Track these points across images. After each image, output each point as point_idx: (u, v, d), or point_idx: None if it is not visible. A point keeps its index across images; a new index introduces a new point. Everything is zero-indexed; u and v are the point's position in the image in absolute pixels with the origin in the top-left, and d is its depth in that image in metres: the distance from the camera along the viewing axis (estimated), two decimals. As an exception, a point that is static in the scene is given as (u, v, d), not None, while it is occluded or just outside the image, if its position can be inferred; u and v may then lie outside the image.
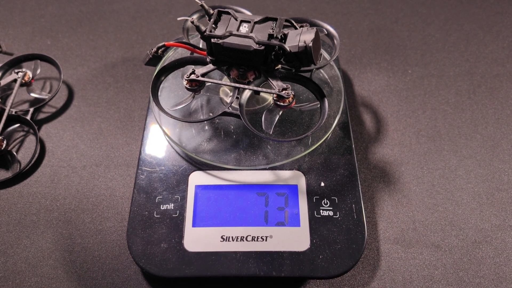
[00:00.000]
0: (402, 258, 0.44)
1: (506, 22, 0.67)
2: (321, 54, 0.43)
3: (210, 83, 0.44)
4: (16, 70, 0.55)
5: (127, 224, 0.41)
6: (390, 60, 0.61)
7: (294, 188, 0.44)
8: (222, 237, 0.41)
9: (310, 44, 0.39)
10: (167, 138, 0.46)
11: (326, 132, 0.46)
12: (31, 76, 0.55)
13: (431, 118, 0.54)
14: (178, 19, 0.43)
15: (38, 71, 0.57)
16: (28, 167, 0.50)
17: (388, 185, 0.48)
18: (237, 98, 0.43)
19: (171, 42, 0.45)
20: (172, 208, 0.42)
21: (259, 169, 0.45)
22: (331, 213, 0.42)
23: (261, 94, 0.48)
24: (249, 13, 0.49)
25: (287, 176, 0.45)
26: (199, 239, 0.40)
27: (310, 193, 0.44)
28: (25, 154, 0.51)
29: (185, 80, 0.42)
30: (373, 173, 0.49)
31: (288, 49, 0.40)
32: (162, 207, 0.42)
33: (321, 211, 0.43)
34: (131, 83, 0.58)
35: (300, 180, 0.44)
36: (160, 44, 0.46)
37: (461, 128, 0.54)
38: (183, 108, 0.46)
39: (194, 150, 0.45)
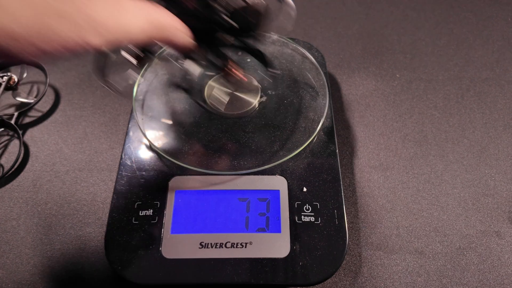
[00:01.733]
0: (384, 265, 0.43)
1: (495, 26, 0.67)
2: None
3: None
4: (1, 74, 0.55)
5: (105, 230, 0.41)
6: (378, 64, 0.61)
7: (276, 194, 0.44)
8: (200, 244, 0.40)
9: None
10: (148, 143, 0.46)
11: (310, 137, 0.46)
12: (16, 80, 0.55)
13: (418, 122, 0.54)
14: None
15: (25, 75, 0.57)
16: (10, 172, 0.49)
17: (372, 190, 0.48)
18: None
19: None
20: (151, 214, 0.42)
21: (241, 174, 0.44)
22: (312, 218, 0.42)
23: (246, 97, 0.47)
24: None
25: (269, 181, 0.44)
26: (177, 246, 0.40)
27: (292, 199, 0.43)
28: (8, 159, 0.51)
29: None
30: (357, 178, 0.49)
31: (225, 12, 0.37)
32: (141, 213, 0.42)
33: (302, 216, 0.42)
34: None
35: (282, 185, 0.44)
36: None
37: (448, 133, 0.53)
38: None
39: (174, 155, 0.45)
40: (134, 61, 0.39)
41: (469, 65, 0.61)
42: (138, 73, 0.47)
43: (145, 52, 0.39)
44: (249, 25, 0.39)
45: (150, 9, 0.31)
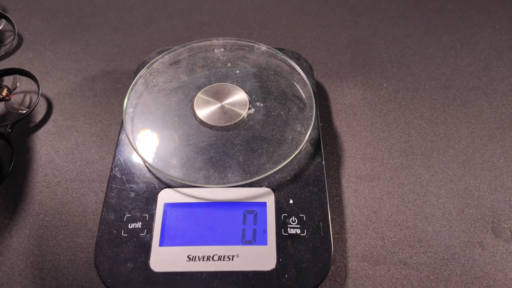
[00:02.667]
0: (369, 276, 0.44)
1: (483, 34, 0.68)
2: None
3: None
4: (-7, 85, 0.56)
5: (95, 242, 0.42)
6: (366, 73, 0.62)
7: (263, 206, 0.44)
8: (188, 257, 0.41)
9: None
10: (138, 155, 0.47)
11: (296, 149, 0.47)
12: (8, 91, 0.56)
13: (404, 132, 0.55)
14: None
15: (17, 86, 0.58)
16: (1, 183, 0.50)
17: (358, 201, 0.49)
18: None
19: None
20: (140, 226, 0.43)
21: (229, 187, 0.45)
22: (298, 231, 0.43)
23: (234, 109, 0.48)
24: None
25: (256, 193, 0.45)
26: (165, 258, 0.41)
27: (278, 211, 0.44)
28: None
29: None
30: (344, 188, 0.50)
31: None
32: (130, 225, 0.43)
33: (288, 229, 0.43)
34: (109, 97, 0.59)
35: (269, 198, 0.45)
36: None
37: (434, 143, 0.54)
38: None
39: (164, 168, 0.45)
40: None
41: (456, 73, 0.62)
42: None
43: None
44: None
45: None
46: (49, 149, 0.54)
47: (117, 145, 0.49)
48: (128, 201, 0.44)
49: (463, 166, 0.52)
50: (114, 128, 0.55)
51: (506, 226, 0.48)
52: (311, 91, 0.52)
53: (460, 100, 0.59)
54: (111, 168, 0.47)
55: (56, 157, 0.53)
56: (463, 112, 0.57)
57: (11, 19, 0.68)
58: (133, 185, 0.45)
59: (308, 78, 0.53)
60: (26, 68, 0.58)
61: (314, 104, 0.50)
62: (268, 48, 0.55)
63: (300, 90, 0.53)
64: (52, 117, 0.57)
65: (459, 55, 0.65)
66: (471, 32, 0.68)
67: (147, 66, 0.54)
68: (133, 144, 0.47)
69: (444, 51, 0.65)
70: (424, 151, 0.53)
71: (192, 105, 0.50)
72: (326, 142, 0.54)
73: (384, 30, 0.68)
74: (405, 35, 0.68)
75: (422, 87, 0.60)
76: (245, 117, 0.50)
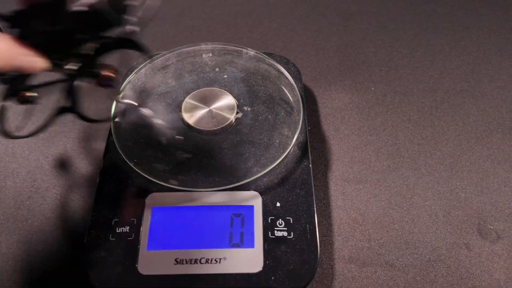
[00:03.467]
0: (356, 278, 0.44)
1: (472, 37, 0.68)
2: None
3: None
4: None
5: (84, 247, 0.42)
6: (354, 77, 0.62)
7: (250, 209, 0.45)
8: (176, 260, 0.41)
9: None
10: (125, 160, 0.47)
11: (284, 152, 0.47)
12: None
13: (392, 135, 0.55)
14: None
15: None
16: (-9, 189, 0.50)
17: (345, 203, 0.49)
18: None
19: None
20: (127, 230, 0.43)
21: (216, 190, 0.46)
22: (285, 233, 0.43)
23: (222, 113, 0.49)
24: None
25: (244, 196, 0.46)
26: (153, 262, 0.41)
27: (265, 214, 0.44)
28: (-10, 175, 0.52)
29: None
30: (331, 191, 0.50)
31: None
32: (118, 229, 0.43)
33: (275, 231, 0.43)
34: (97, 102, 0.59)
35: (256, 201, 0.45)
36: None
37: (421, 145, 0.54)
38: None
39: (151, 173, 0.46)
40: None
41: (444, 77, 0.63)
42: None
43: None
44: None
45: None
46: (38, 155, 0.54)
47: (105, 150, 0.49)
48: (116, 206, 0.45)
49: (450, 169, 0.53)
50: (103, 133, 0.55)
51: (492, 227, 0.48)
52: (299, 95, 0.52)
53: (448, 103, 0.59)
54: (100, 173, 0.47)
55: (45, 162, 0.53)
56: (450, 115, 0.58)
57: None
58: (121, 190, 0.46)
59: (295, 82, 0.54)
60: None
61: (301, 108, 0.51)
62: (256, 52, 0.56)
63: (288, 94, 0.53)
64: (41, 123, 0.57)
65: (448, 58, 0.65)
66: (460, 35, 0.69)
67: (135, 71, 0.54)
68: (121, 150, 0.47)
69: (433, 54, 0.66)
70: (411, 154, 0.54)
71: (180, 110, 0.50)
72: (314, 146, 0.54)
73: (373, 34, 0.69)
74: (394, 39, 0.68)
75: (410, 90, 0.61)
76: (233, 121, 0.50)
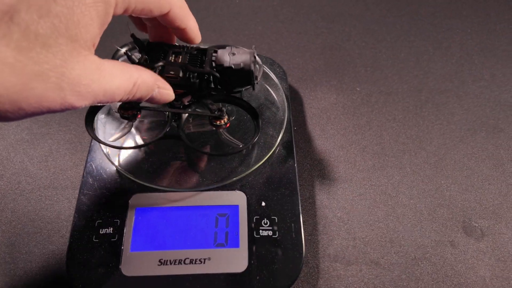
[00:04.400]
0: (341, 276, 0.44)
1: (455, 38, 0.69)
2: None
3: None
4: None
5: (67, 248, 0.42)
6: (340, 77, 0.63)
7: (235, 209, 0.45)
8: (160, 261, 0.41)
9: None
10: (109, 161, 0.47)
11: (269, 152, 0.47)
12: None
13: (377, 134, 0.56)
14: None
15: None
16: (-25, 192, 0.50)
17: (331, 202, 0.49)
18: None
19: None
20: (111, 232, 0.43)
21: (201, 190, 0.45)
22: (270, 233, 0.43)
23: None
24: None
25: (229, 196, 0.45)
26: (136, 263, 0.41)
27: (251, 213, 0.44)
28: (-27, 178, 0.52)
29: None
30: (317, 190, 0.50)
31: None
32: (102, 231, 0.43)
33: (260, 231, 0.43)
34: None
35: (241, 200, 0.45)
36: None
37: (406, 145, 0.55)
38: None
39: (135, 173, 0.45)
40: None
41: (428, 77, 0.63)
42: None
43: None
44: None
45: (132, 71, 0.32)
46: (22, 156, 0.53)
47: (89, 151, 0.49)
48: (100, 207, 0.44)
49: (434, 167, 0.53)
50: (87, 135, 0.55)
51: (476, 225, 0.48)
52: (284, 95, 0.52)
53: (432, 103, 0.60)
54: (83, 174, 0.47)
55: (30, 164, 0.53)
56: (435, 115, 0.58)
57: None
58: (104, 191, 0.45)
59: (281, 83, 0.54)
60: None
61: (286, 108, 0.51)
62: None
63: (274, 95, 0.53)
64: (26, 124, 0.57)
65: (432, 58, 0.66)
66: (443, 36, 0.70)
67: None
68: (104, 150, 0.47)
69: (417, 55, 0.66)
70: (396, 153, 0.54)
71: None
72: (300, 146, 0.54)
73: (357, 36, 0.69)
74: (378, 40, 0.69)
75: (395, 90, 0.61)
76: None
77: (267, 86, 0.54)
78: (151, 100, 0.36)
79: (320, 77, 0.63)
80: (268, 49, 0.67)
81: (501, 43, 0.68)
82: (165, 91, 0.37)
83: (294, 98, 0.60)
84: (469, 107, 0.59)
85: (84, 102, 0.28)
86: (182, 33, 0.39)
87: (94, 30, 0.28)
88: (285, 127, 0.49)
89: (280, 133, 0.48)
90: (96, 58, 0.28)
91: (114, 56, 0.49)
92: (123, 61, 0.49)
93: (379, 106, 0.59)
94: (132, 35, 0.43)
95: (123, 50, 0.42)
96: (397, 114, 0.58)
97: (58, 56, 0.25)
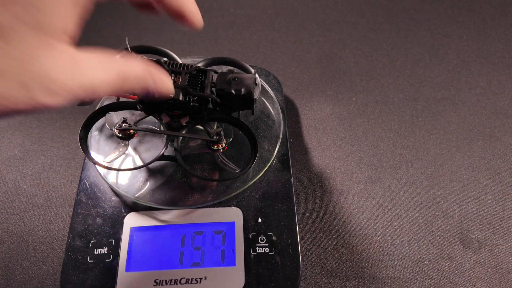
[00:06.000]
0: (339, 292, 0.44)
1: (451, 45, 0.69)
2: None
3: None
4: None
5: (61, 269, 0.41)
6: (336, 87, 0.62)
7: (231, 226, 0.44)
8: (155, 281, 0.41)
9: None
10: (102, 179, 0.46)
11: (264, 167, 0.47)
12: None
13: (373, 145, 0.55)
14: None
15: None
16: (-32, 211, 0.49)
17: (327, 216, 0.49)
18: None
19: None
20: (105, 252, 0.42)
21: (196, 208, 0.45)
22: (267, 249, 0.43)
23: (201, 129, 0.48)
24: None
25: (224, 213, 0.45)
26: (132, 284, 0.40)
27: (247, 230, 0.44)
28: (-35, 197, 0.51)
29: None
30: (313, 204, 0.50)
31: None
32: (96, 251, 0.42)
33: (257, 248, 0.43)
34: (76, 119, 0.58)
35: (237, 217, 0.45)
36: None
37: (402, 155, 0.54)
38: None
39: (130, 192, 0.45)
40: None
41: (424, 85, 0.63)
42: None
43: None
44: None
45: (116, 60, 0.28)
46: (15, 174, 0.53)
47: (82, 169, 0.48)
48: (94, 226, 0.44)
49: (431, 178, 0.53)
50: (81, 152, 0.54)
51: (473, 236, 0.48)
52: (279, 108, 0.52)
53: (429, 112, 0.59)
54: (77, 192, 0.46)
55: (23, 182, 0.52)
56: (431, 124, 0.58)
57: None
58: (99, 210, 0.45)
59: (276, 95, 0.53)
60: None
61: (282, 121, 0.50)
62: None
63: (269, 107, 0.53)
64: (19, 141, 0.56)
65: (428, 66, 0.66)
66: (439, 43, 0.69)
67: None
68: (98, 168, 0.46)
69: (413, 63, 0.66)
70: (392, 164, 0.54)
71: (159, 127, 0.50)
72: (296, 158, 0.54)
73: (353, 44, 0.69)
74: (374, 48, 0.68)
75: (391, 99, 0.61)
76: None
77: (263, 99, 0.53)
78: (147, 93, 0.32)
79: (315, 87, 0.62)
80: (263, 59, 0.66)
81: (497, 49, 0.68)
82: (162, 82, 0.33)
83: (290, 109, 0.59)
84: (465, 115, 0.59)
85: (59, 101, 0.24)
86: (181, 17, 0.34)
87: (68, 18, 0.25)
88: (281, 140, 0.49)
89: (276, 147, 0.48)
90: (70, 49, 0.25)
91: None
92: None
93: (375, 116, 0.59)
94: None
95: None
96: (393, 124, 0.58)
97: (22, 49, 0.22)
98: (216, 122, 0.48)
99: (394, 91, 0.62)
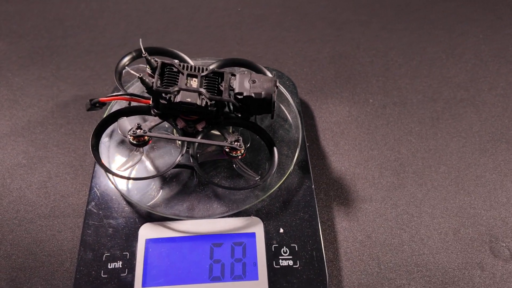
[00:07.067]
0: (367, 306, 0.42)
1: (468, 44, 0.67)
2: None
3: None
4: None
5: (73, 285, 0.39)
6: (351, 88, 0.60)
7: (252, 236, 0.42)
8: (174, 297, 0.38)
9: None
10: (116, 189, 0.43)
11: (284, 174, 0.44)
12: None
13: (394, 149, 0.53)
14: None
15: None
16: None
17: (351, 225, 0.47)
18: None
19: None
20: (120, 266, 0.40)
21: (215, 218, 0.42)
22: (290, 262, 0.40)
23: (217, 134, 0.46)
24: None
25: (244, 223, 0.43)
26: (149, 300, 0.38)
27: (268, 241, 0.42)
28: (-33, 208, 0.48)
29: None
30: (335, 212, 0.48)
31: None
32: (110, 265, 0.40)
33: (280, 260, 0.40)
34: (83, 124, 0.56)
35: (258, 227, 0.42)
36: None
37: (425, 159, 0.52)
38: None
39: (144, 201, 0.43)
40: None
41: (442, 86, 0.61)
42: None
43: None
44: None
45: None
46: (20, 183, 0.50)
47: (92, 177, 0.46)
48: (107, 239, 0.41)
49: (455, 183, 0.50)
50: (90, 157, 0.52)
51: (504, 244, 0.46)
52: (296, 110, 0.49)
53: (449, 113, 0.57)
54: (87, 202, 0.44)
55: (28, 191, 0.49)
56: (452, 126, 0.56)
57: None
58: (111, 221, 0.42)
59: (292, 97, 0.51)
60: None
61: (300, 124, 0.48)
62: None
63: (285, 110, 0.51)
64: (23, 148, 0.54)
65: (445, 66, 0.63)
66: (455, 42, 0.67)
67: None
68: (110, 177, 0.44)
69: (430, 62, 0.64)
70: (415, 168, 0.51)
71: (173, 131, 0.47)
72: (314, 163, 0.51)
73: (366, 43, 0.67)
74: (388, 48, 0.66)
75: (410, 101, 0.59)
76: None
77: (278, 102, 0.51)
78: None
79: (330, 88, 0.60)
80: (274, 60, 0.64)
81: (514, 48, 0.66)
82: None
83: (304, 112, 0.57)
84: (487, 117, 0.57)
85: None
86: None
87: None
88: (300, 145, 0.46)
89: (295, 152, 0.46)
90: None
91: (116, 69, 0.47)
92: (125, 72, 0.47)
93: (394, 118, 0.56)
94: (145, 57, 0.41)
95: (139, 74, 0.39)
96: (414, 127, 0.55)
97: None
98: (231, 127, 0.46)
99: (412, 92, 0.60)
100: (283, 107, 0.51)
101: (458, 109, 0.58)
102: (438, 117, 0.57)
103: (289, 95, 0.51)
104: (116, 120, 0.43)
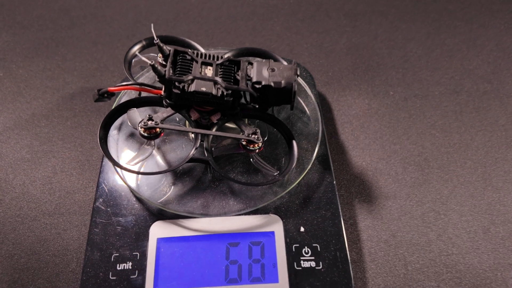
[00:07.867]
0: (394, 310, 0.39)
1: (489, 35, 0.64)
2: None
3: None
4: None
5: (79, 287, 0.36)
6: (370, 80, 0.57)
7: (270, 235, 0.39)
8: (188, 301, 0.35)
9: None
10: (124, 183, 0.41)
11: (304, 169, 0.42)
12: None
13: (417, 143, 0.50)
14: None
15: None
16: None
17: (374, 223, 0.44)
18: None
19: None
20: (130, 267, 0.37)
21: (230, 215, 0.40)
22: (313, 263, 0.38)
23: (233, 127, 0.43)
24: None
25: (262, 221, 0.40)
26: (162, 304, 0.35)
27: (288, 241, 0.39)
28: (-32, 205, 0.46)
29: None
30: (357, 210, 0.45)
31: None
32: (119, 266, 0.37)
33: (301, 262, 0.38)
34: (90, 117, 0.53)
35: (277, 226, 0.40)
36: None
37: (450, 154, 0.49)
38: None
39: (155, 197, 0.40)
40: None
41: (465, 78, 0.58)
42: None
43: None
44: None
45: None
46: (23, 178, 0.48)
47: (100, 172, 0.43)
48: (116, 238, 0.39)
49: (483, 179, 0.48)
50: (97, 152, 0.50)
51: (538, 244, 0.43)
52: (315, 103, 0.47)
53: (473, 106, 0.54)
54: (95, 199, 0.41)
55: (32, 187, 0.47)
56: (477, 119, 0.53)
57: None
58: (120, 219, 0.40)
59: (310, 89, 0.48)
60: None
61: (319, 117, 0.45)
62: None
63: (303, 103, 0.48)
64: (26, 141, 0.51)
65: (466, 57, 0.61)
66: (476, 33, 0.64)
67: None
68: (119, 171, 0.41)
69: (450, 54, 0.61)
70: (440, 164, 0.49)
71: (185, 124, 0.44)
72: (334, 159, 0.49)
73: (384, 34, 0.64)
74: (407, 39, 0.63)
75: (431, 93, 0.56)
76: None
77: (296, 95, 0.48)
78: None
79: (348, 80, 0.57)
80: (289, 51, 0.61)
81: (539, 39, 0.63)
82: None
83: (322, 105, 0.54)
84: (513, 110, 0.54)
85: None
86: None
87: None
88: (320, 139, 0.44)
89: (315, 146, 0.43)
90: None
91: (126, 58, 0.44)
92: (135, 61, 0.44)
93: (416, 111, 0.54)
94: (157, 43, 0.38)
95: (151, 61, 0.37)
96: (437, 120, 0.53)
97: None
98: (246, 119, 0.43)
99: (434, 84, 0.57)
100: (300, 99, 0.48)
101: (482, 102, 0.55)
102: (462, 110, 0.54)
103: (307, 87, 0.48)
104: (126, 112, 0.41)
